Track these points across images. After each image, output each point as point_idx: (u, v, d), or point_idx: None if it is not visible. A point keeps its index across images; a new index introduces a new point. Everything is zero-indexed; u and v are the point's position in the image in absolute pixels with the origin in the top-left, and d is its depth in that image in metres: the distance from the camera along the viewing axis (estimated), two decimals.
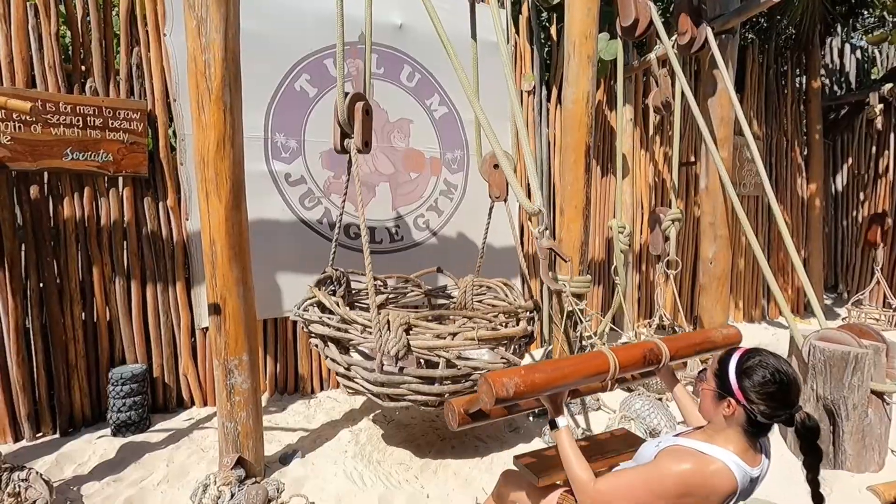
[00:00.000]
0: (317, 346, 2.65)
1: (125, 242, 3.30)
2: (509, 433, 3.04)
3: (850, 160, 6.64)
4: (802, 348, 2.69)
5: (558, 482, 1.80)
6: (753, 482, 1.31)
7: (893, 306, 5.86)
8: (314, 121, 3.75)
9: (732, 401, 1.27)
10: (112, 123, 3.15)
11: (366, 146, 2.59)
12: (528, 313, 2.71)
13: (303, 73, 3.71)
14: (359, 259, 3.86)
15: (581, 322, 3.38)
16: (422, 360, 2.39)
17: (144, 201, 3.34)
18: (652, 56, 4.41)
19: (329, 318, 2.51)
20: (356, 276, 3.27)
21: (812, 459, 1.30)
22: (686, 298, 5.71)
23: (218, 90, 2.33)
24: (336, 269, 3.08)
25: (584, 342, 3.44)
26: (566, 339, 3.48)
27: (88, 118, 3.08)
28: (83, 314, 3.23)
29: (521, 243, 4.65)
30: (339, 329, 2.44)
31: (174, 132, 3.41)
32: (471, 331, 2.34)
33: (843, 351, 2.49)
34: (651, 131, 5.01)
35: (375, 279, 3.42)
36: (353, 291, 3.36)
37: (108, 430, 3.16)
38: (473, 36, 3.41)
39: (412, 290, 3.63)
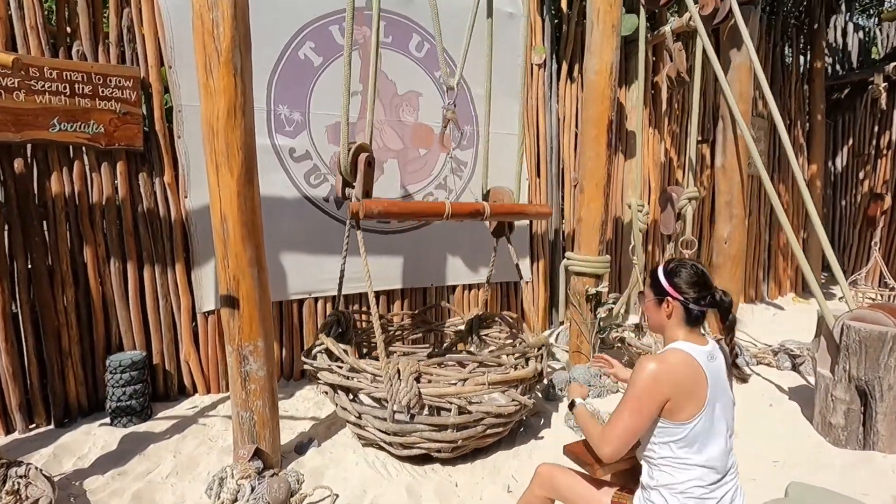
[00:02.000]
0: (326, 392, 2.60)
1: (119, 221, 3.08)
2: (532, 418, 2.95)
3: (850, 141, 6.63)
4: (834, 328, 2.63)
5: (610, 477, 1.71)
6: (712, 357, 1.50)
7: (890, 286, 5.92)
8: (320, 92, 3.54)
9: (669, 299, 1.52)
10: (102, 91, 2.90)
11: (366, 197, 2.50)
12: (537, 351, 2.64)
13: (307, 40, 3.47)
14: (369, 240, 3.71)
15: (603, 304, 3.29)
16: (432, 407, 2.38)
17: (140, 177, 3.11)
18: (667, 29, 4.26)
19: (338, 366, 2.45)
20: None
21: (730, 324, 1.59)
22: None
23: (227, 52, 2.12)
24: (342, 312, 3.05)
25: (602, 324, 3.35)
26: (584, 322, 3.39)
27: (76, 85, 2.82)
28: (76, 298, 3.02)
29: (531, 223, 4.53)
30: (348, 378, 2.41)
31: (170, 102, 3.17)
32: (481, 375, 2.29)
33: (879, 331, 2.44)
34: (664, 107, 4.89)
35: (381, 317, 3.37)
36: (360, 331, 3.29)
37: (107, 420, 2.99)
38: (490, 13, 3.22)
39: (417, 326, 3.55)
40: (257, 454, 2.32)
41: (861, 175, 6.62)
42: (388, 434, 2.31)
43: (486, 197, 3.21)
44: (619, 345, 3.76)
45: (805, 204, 3.05)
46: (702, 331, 1.56)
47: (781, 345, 3.90)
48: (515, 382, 2.37)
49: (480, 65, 3.37)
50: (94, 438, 2.84)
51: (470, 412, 2.27)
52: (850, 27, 6.82)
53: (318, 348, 2.65)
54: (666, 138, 5.31)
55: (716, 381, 1.46)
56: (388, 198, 3.81)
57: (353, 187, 2.57)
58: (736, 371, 1.61)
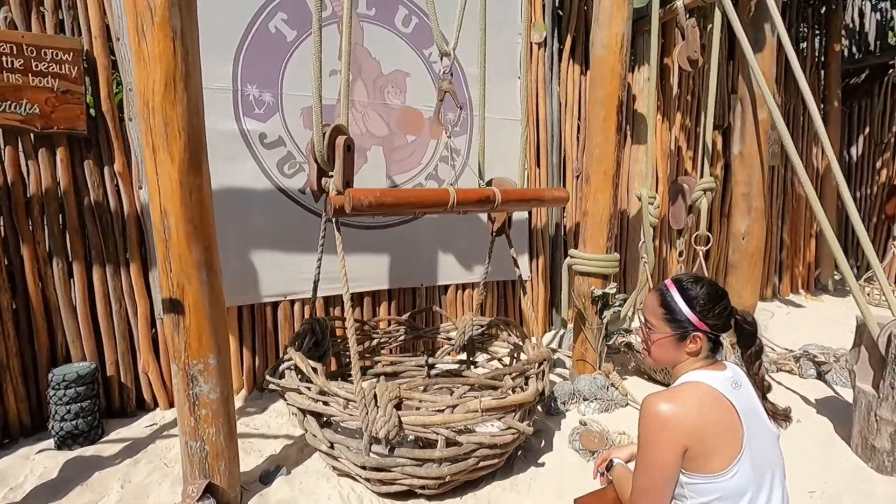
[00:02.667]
0: (295, 415, 2.26)
1: (62, 216, 2.70)
2: (531, 437, 2.61)
3: (867, 129, 6.28)
4: (879, 338, 2.29)
5: None
6: (737, 384, 1.21)
7: None
8: (294, 70, 3.15)
9: (698, 334, 1.23)
10: (37, 66, 2.51)
11: (347, 187, 2.15)
12: (538, 367, 2.31)
13: (278, 10, 3.08)
14: (351, 237, 3.35)
15: (609, 307, 2.94)
16: (416, 437, 2.04)
17: (85, 165, 2.73)
18: (679, 4, 3.87)
19: (307, 387, 2.11)
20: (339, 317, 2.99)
21: (756, 349, 1.30)
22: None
23: (163, 9, 1.74)
24: (317, 319, 2.69)
25: (608, 328, 3.00)
26: (589, 327, 3.04)
27: (4, 58, 2.43)
28: (13, 304, 2.65)
29: (530, 216, 4.17)
30: (317, 401, 2.06)
31: (119, 79, 2.79)
32: (473, 400, 1.95)
33: None
34: (674, 91, 4.52)
35: (363, 323, 3.01)
36: (340, 340, 2.92)
37: (51, 442, 2.63)
38: None
39: (405, 332, 3.20)
40: (209, 491, 1.97)
41: (878, 164, 6.27)
42: (365, 469, 1.96)
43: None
44: (626, 350, 3.42)
45: (841, 195, 2.70)
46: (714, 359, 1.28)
47: (804, 350, 3.57)
48: (513, 408, 2.02)
49: (475, 42, 3.00)
50: (32, 464, 2.49)
51: (460, 444, 1.93)
52: (868, 8, 6.44)
53: (285, 364, 2.29)
54: (675, 125, 4.95)
55: (749, 412, 1.16)
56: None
57: (330, 177, 2.23)
58: (769, 405, 1.28)
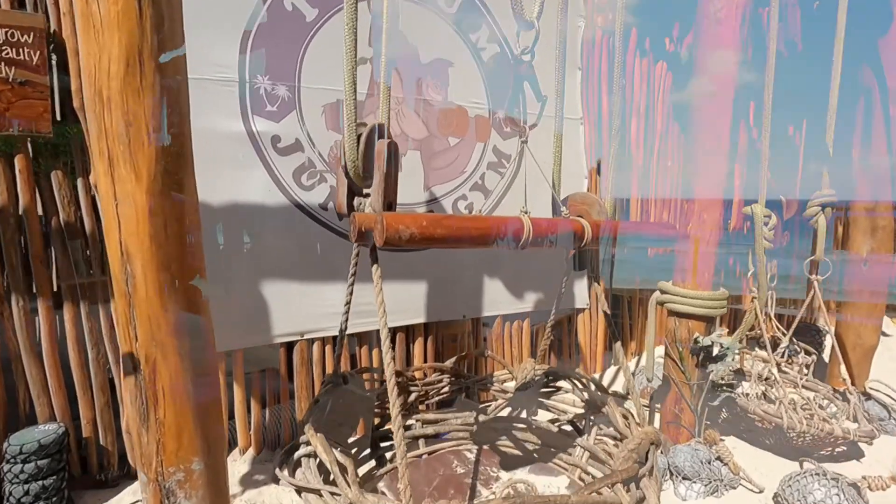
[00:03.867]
0: None
1: (22, 241, 2.14)
2: None
3: None
4: None
5: None
6: None
7: None
8: (315, 57, 2.55)
9: None
10: None
11: (389, 209, 1.54)
12: (646, 463, 1.65)
13: None
14: (381, 260, 2.75)
15: (718, 359, 2.28)
16: None
17: (52, 177, 2.16)
18: None
19: (333, 492, 1.46)
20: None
21: None
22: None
23: None
24: (342, 375, 2.06)
25: (720, 388, 2.34)
26: (686, 382, 2.38)
27: None
28: None
29: None
30: None
31: None
32: None
33: None
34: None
35: (399, 375, 2.37)
36: (368, 395, 2.30)
37: None
38: None
39: (449, 383, 2.58)
40: None
41: None
42: None
43: (556, 207, 2.21)
44: (735, 411, 2.74)
45: None
46: None
47: None
48: None
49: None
50: None
51: None
52: None
53: (302, 450, 1.68)
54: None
55: None
56: (410, 207, 2.83)
57: (364, 195, 1.64)
58: None
